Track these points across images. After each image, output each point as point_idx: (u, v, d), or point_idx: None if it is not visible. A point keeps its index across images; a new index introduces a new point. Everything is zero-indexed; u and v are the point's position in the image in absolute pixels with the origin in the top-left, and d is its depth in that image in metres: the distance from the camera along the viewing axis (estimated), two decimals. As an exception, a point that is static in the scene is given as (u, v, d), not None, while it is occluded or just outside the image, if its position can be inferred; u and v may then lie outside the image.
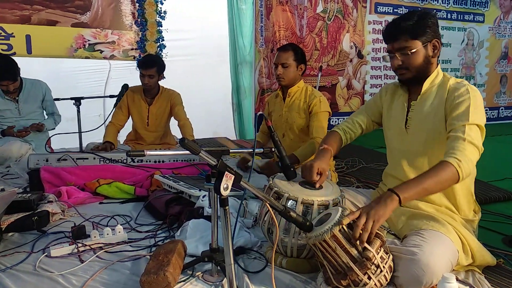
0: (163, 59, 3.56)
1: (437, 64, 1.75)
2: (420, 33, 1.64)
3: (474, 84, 6.87)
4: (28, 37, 4.23)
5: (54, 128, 3.68)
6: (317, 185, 1.67)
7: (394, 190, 1.46)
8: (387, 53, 1.75)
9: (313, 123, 2.66)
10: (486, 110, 7.18)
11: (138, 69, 3.34)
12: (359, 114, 2.03)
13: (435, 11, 6.50)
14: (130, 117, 3.56)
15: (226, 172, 1.21)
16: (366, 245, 1.38)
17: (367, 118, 2.00)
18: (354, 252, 1.37)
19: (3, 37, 4.13)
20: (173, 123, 3.61)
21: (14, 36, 4.17)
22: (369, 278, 1.37)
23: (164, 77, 3.50)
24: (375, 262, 1.37)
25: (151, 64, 3.30)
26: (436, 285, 1.38)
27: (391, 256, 1.45)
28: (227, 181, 1.22)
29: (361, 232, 1.37)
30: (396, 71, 1.76)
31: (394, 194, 1.44)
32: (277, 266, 1.67)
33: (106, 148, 3.18)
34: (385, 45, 1.76)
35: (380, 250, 1.40)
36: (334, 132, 2.00)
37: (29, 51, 4.25)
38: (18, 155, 3.25)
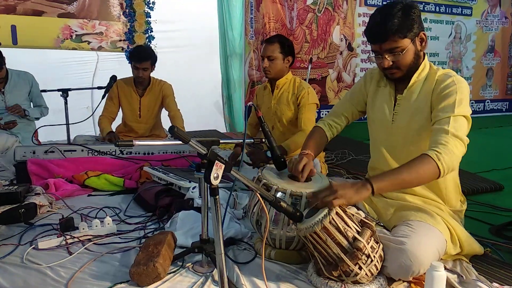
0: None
1: (424, 56, 1.70)
2: (408, 30, 1.57)
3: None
4: (13, 28, 4.14)
5: (39, 118, 3.61)
6: (302, 180, 1.65)
7: (369, 180, 1.46)
8: (374, 54, 1.66)
9: (301, 115, 2.65)
10: (472, 102, 7.27)
11: (131, 62, 3.26)
12: (344, 105, 1.97)
13: (423, 4, 6.54)
14: (120, 109, 3.51)
15: (216, 161, 1.21)
16: (356, 235, 1.39)
17: (352, 108, 1.95)
18: (345, 243, 1.38)
19: (-13, 28, 4.05)
20: (163, 115, 3.58)
21: (-1, 27, 4.09)
22: (360, 268, 1.38)
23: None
24: (366, 252, 1.38)
25: (146, 57, 3.23)
26: (424, 274, 1.39)
27: (381, 245, 1.46)
28: (217, 170, 1.21)
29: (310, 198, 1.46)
30: (384, 71, 1.69)
31: (368, 184, 1.44)
32: (266, 257, 1.66)
33: (113, 138, 3.15)
34: None
35: (370, 240, 1.41)
36: (318, 129, 1.94)
37: (14, 42, 4.17)
38: (4, 148, 3.21)
